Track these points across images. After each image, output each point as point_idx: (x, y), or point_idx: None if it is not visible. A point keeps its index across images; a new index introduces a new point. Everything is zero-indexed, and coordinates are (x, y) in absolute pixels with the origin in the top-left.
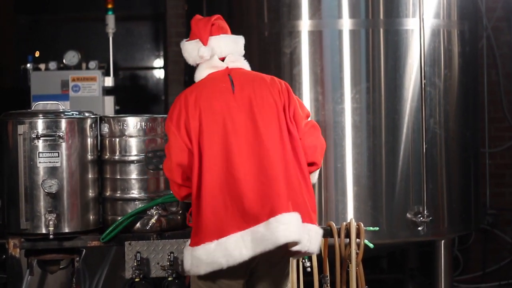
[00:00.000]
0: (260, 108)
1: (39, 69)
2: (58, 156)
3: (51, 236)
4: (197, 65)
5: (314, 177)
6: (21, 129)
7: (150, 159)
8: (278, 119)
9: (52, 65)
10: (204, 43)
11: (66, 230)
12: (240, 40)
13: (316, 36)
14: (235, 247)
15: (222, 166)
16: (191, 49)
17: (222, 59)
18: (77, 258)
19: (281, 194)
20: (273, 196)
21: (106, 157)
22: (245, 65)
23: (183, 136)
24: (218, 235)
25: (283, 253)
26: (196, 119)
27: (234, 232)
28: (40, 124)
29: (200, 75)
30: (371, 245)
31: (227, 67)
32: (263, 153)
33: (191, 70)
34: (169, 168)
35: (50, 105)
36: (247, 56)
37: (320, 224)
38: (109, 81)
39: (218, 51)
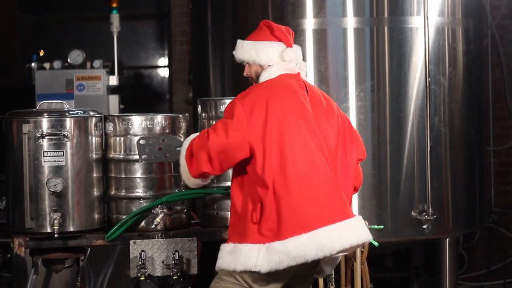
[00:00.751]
0: (330, 118)
1: (44, 68)
2: (63, 155)
3: (56, 235)
4: (267, 66)
5: None
6: (26, 128)
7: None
8: (344, 132)
9: (57, 64)
10: (290, 46)
11: (71, 229)
12: (300, 49)
13: (321, 35)
14: (327, 240)
15: (306, 166)
16: (271, 49)
17: None
18: (82, 257)
19: (347, 198)
20: (344, 199)
21: (111, 156)
22: (305, 74)
23: (253, 130)
24: (305, 229)
25: None
26: (275, 118)
27: (321, 226)
28: (45, 123)
29: (271, 74)
30: (375, 244)
31: (299, 73)
32: (336, 158)
33: (195, 69)
34: (214, 141)
35: (54, 104)
36: None
37: None
38: (113, 80)
39: (296, 58)
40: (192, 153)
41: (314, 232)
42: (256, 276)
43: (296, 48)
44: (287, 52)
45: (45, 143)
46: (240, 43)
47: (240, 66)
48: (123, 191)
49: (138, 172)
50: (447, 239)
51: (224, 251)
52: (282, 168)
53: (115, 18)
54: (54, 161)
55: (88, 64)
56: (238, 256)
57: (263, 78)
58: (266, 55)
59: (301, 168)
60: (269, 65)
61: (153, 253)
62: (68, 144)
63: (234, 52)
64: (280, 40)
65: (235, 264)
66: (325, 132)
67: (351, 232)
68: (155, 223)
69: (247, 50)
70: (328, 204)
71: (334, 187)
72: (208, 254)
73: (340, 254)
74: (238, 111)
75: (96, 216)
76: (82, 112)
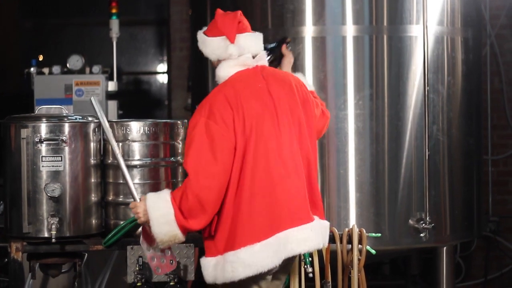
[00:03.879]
0: (293, 108)
1: (43, 73)
2: (61, 160)
3: (53, 240)
4: (219, 61)
5: None
6: (24, 133)
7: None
8: (305, 116)
9: (56, 69)
10: (232, 40)
11: (68, 234)
12: (261, 37)
13: (320, 42)
14: (281, 248)
15: (264, 169)
16: (216, 46)
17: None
18: (79, 262)
19: (311, 200)
20: (307, 201)
21: (109, 161)
22: (267, 62)
23: (231, 137)
24: (259, 238)
25: None
26: (240, 119)
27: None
28: (43, 128)
29: (228, 72)
30: (373, 251)
31: (257, 65)
32: (299, 158)
33: (195, 75)
34: (210, 183)
35: (53, 109)
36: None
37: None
38: (112, 86)
39: (247, 50)
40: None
41: (268, 240)
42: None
43: (242, 40)
44: (229, 49)
45: (43, 148)
46: (198, 34)
47: None
48: (121, 196)
49: (136, 178)
50: (445, 248)
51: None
52: (242, 174)
53: (114, 23)
54: (52, 166)
55: (87, 69)
56: (203, 269)
57: (222, 76)
58: (212, 52)
59: (260, 174)
60: (219, 61)
61: None
62: (67, 149)
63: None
64: (223, 34)
65: (206, 277)
66: (290, 129)
67: (306, 238)
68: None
69: (200, 44)
70: (284, 210)
71: (295, 190)
72: None
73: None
74: (213, 129)
75: (93, 221)
76: (80, 117)
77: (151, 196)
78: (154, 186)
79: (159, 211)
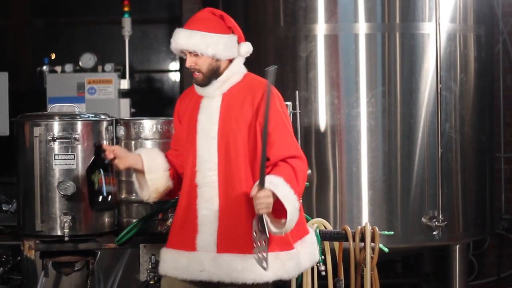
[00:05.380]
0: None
1: (55, 72)
2: (74, 158)
3: (66, 238)
4: (227, 60)
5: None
6: (37, 131)
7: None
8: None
9: (68, 67)
10: (244, 40)
11: (81, 232)
12: None
13: (332, 40)
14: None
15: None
16: (232, 43)
17: None
18: (92, 260)
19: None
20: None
21: None
22: None
23: None
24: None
25: None
26: None
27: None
28: (56, 126)
29: (243, 69)
30: (386, 249)
31: None
32: None
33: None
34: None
35: (66, 107)
36: (263, 59)
37: (335, 228)
38: (125, 84)
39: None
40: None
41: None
42: None
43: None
44: (248, 47)
45: (56, 146)
46: (188, 32)
47: (252, 70)
48: (134, 194)
49: None
50: (457, 246)
51: None
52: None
53: (126, 22)
54: (65, 164)
55: (100, 67)
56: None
57: (232, 72)
58: (227, 48)
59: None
60: (227, 60)
61: None
62: (79, 147)
63: (181, 41)
64: (236, 34)
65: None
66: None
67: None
68: (165, 227)
69: (214, 43)
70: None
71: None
72: None
73: None
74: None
75: (106, 219)
76: (93, 115)
77: (279, 186)
78: None
79: (293, 205)
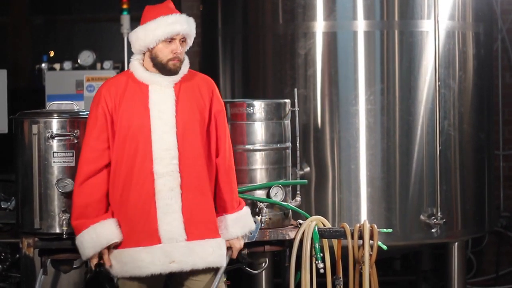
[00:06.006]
0: None
1: (54, 69)
2: (73, 156)
3: (64, 236)
4: None
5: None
6: (35, 128)
7: None
8: None
9: (67, 65)
10: None
11: None
12: None
13: (331, 38)
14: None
15: None
16: None
17: None
18: None
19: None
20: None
21: None
22: None
23: None
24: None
25: None
26: None
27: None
28: (55, 124)
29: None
30: (384, 247)
31: None
32: None
33: (205, 71)
34: None
35: (64, 105)
36: (262, 57)
37: (333, 225)
38: None
39: None
40: None
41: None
42: None
43: None
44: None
45: (54, 143)
46: (185, 17)
47: (251, 68)
48: None
49: None
50: (456, 243)
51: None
52: None
53: (125, 19)
54: (64, 161)
55: (98, 65)
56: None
57: (186, 63)
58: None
59: None
60: None
61: None
62: (78, 145)
63: (180, 26)
64: None
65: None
66: None
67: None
68: None
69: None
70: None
71: None
72: None
73: None
74: None
75: None
76: None
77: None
78: None
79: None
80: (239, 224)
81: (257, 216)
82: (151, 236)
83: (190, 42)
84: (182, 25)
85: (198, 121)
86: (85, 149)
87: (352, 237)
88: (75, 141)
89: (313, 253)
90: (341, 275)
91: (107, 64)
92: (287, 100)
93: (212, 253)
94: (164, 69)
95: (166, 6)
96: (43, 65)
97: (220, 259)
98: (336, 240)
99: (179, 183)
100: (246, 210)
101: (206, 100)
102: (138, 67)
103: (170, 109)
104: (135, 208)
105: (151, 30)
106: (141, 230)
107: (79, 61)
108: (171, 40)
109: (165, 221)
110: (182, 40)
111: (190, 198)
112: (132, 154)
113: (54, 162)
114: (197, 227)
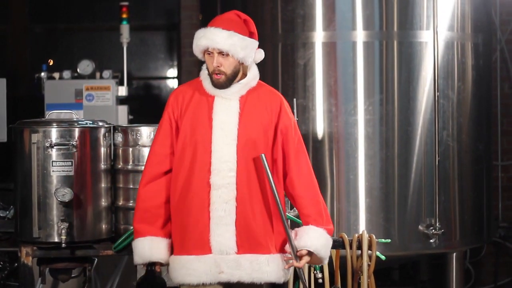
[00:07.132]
0: None
1: (53, 78)
2: (71, 165)
3: (63, 245)
4: (248, 64)
5: None
6: (35, 137)
7: None
8: None
9: (66, 74)
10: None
11: (79, 239)
12: None
13: (330, 48)
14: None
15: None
16: (254, 49)
17: None
18: (89, 267)
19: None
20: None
21: (119, 166)
22: None
23: None
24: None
25: None
26: None
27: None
28: (54, 133)
29: (256, 75)
30: (382, 257)
31: None
32: None
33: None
34: None
35: (63, 114)
36: (260, 67)
37: (332, 235)
38: (122, 91)
39: None
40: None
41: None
42: None
43: None
44: (262, 54)
45: (53, 152)
46: (227, 32)
47: None
48: (131, 201)
49: None
50: (454, 254)
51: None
52: None
53: (125, 28)
54: (63, 171)
55: (98, 74)
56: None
57: (255, 76)
58: (252, 53)
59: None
60: (248, 65)
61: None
62: (77, 154)
63: (211, 41)
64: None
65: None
66: None
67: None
68: None
69: (249, 47)
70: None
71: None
72: None
73: None
74: None
75: (103, 226)
76: (91, 122)
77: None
78: None
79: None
80: (314, 237)
81: None
82: (202, 246)
83: (237, 57)
84: (214, 40)
85: (261, 135)
86: (150, 152)
87: (351, 247)
88: (74, 150)
89: None
90: (339, 285)
91: (107, 73)
92: None
93: (258, 269)
94: (212, 81)
95: (221, 17)
96: (42, 74)
97: (263, 275)
98: (334, 250)
99: (234, 196)
100: (326, 232)
101: (273, 115)
102: (205, 77)
103: (233, 121)
104: (190, 217)
105: (195, 38)
106: (194, 238)
107: (78, 70)
108: (210, 52)
109: (217, 232)
110: (223, 54)
111: (245, 211)
112: (191, 163)
113: (53, 171)
114: (249, 241)
